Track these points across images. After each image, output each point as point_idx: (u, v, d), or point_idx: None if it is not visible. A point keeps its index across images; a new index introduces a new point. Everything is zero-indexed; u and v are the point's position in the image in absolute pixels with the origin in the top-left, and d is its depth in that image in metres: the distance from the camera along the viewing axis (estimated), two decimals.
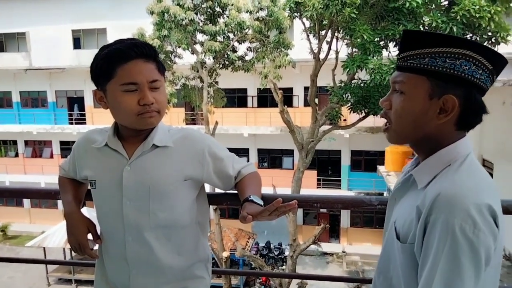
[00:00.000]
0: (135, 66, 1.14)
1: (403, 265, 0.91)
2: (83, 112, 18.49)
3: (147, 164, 1.22)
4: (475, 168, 0.88)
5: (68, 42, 18.07)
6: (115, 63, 1.13)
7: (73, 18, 17.45)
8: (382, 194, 14.47)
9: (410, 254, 0.88)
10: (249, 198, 1.22)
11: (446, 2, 8.10)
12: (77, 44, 18.22)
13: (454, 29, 7.31)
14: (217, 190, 1.41)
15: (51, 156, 19.17)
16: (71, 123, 18.38)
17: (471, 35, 7.75)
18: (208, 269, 1.39)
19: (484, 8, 7.14)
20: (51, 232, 12.72)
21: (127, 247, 1.24)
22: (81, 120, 18.41)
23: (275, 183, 11.83)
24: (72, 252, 13.07)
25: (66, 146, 18.62)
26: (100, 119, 17.23)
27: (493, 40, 7.74)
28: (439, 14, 7.62)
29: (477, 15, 7.13)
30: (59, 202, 20.57)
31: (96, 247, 1.38)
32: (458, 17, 7.24)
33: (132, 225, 1.23)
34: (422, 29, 7.98)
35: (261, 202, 1.23)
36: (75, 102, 18.73)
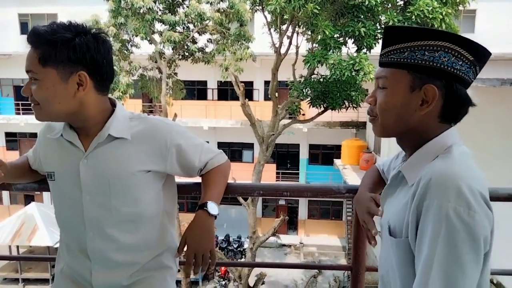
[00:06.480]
0: (28, 54, 1.09)
1: (398, 261, 0.90)
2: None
3: (105, 156, 1.14)
4: (465, 156, 0.87)
5: (15, 27, 16.91)
6: None
7: (20, 1, 16.31)
8: None
9: (404, 248, 0.87)
10: (204, 208, 1.17)
11: (402, 2, 8.44)
12: (24, 29, 17.05)
13: None
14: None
15: None
16: (18, 113, 17.27)
17: None
18: (176, 259, 1.35)
19: (436, 9, 7.52)
20: None
21: (88, 242, 1.18)
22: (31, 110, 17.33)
23: (235, 176, 11.79)
24: (20, 250, 12.35)
25: (12, 138, 17.52)
26: None
27: None
28: (395, 13, 7.93)
29: (430, 16, 7.50)
30: (5, 196, 19.11)
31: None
32: (413, 17, 7.58)
33: (93, 220, 1.16)
34: (378, 27, 8.26)
35: (216, 213, 1.18)
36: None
